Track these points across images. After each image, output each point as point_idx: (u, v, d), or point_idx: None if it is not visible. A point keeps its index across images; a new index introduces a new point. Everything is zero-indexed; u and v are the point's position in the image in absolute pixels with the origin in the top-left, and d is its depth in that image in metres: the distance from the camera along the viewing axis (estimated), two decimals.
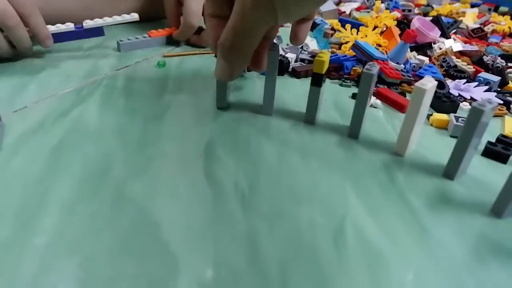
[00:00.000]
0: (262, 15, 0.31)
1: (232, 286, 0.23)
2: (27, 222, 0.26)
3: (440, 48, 0.64)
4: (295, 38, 0.43)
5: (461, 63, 0.59)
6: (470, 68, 0.57)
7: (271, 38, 0.40)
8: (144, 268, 0.24)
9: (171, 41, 0.63)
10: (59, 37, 0.54)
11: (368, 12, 0.86)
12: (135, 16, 0.58)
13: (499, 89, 0.55)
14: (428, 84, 0.34)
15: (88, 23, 0.56)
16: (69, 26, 0.54)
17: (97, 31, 0.58)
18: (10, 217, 0.26)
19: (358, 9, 0.90)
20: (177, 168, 0.33)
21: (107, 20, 0.57)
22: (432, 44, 0.66)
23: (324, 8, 0.86)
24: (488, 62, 0.59)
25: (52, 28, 0.52)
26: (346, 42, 0.63)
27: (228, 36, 0.34)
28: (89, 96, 0.44)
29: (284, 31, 0.74)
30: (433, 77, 0.54)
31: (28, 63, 0.50)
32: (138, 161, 0.33)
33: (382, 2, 0.91)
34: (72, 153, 0.34)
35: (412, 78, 0.54)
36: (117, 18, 0.57)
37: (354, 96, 0.49)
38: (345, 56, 0.58)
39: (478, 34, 0.78)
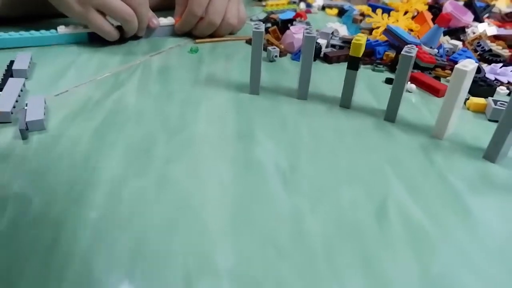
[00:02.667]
0: None
1: (278, 261, 0.24)
2: (79, 198, 0.27)
3: (474, 33, 0.63)
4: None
5: (496, 47, 0.58)
6: (506, 52, 0.56)
7: None
8: (191, 243, 0.24)
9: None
10: (99, 36, 0.54)
11: None
12: (171, 21, 0.60)
13: None
14: (469, 66, 0.34)
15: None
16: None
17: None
18: (62, 194, 0.27)
19: None
20: (217, 150, 0.34)
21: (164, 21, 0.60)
22: (465, 28, 0.65)
23: None
24: None
25: None
26: (377, 27, 0.62)
27: None
28: (127, 80, 0.44)
29: (313, 18, 0.74)
30: None
31: (64, 50, 0.52)
32: (179, 142, 0.34)
33: None
34: (115, 133, 0.35)
35: (446, 63, 0.53)
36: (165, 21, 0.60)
37: (387, 81, 0.49)
38: (377, 41, 0.57)
39: (511, 18, 0.76)
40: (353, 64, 0.39)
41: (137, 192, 0.28)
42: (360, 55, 0.39)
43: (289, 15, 0.70)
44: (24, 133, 0.33)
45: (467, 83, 0.35)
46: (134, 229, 0.25)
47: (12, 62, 0.44)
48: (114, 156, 0.32)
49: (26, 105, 0.35)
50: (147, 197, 0.28)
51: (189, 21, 0.58)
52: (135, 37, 0.57)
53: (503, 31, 0.64)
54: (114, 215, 0.26)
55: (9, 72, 0.42)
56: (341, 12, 0.79)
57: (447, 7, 0.65)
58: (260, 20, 0.69)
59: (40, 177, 0.29)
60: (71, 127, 0.35)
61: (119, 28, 0.54)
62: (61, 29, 0.53)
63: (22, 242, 0.24)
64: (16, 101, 0.36)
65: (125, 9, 0.51)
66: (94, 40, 0.53)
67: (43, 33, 0.51)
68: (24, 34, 0.51)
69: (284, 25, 0.63)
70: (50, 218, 0.25)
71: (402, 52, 0.36)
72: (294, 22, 0.64)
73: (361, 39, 0.38)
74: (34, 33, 0.51)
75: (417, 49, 0.37)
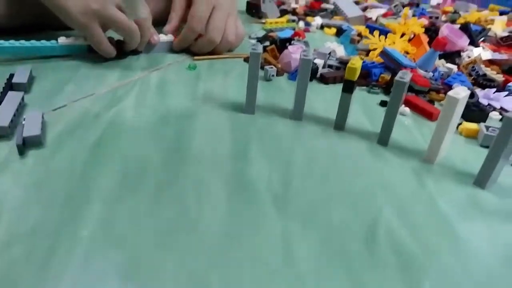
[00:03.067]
0: None
1: (268, 283, 0.24)
2: (73, 215, 0.27)
3: (469, 57, 0.64)
4: None
5: (490, 72, 0.58)
6: (500, 77, 0.57)
7: None
8: (184, 262, 0.25)
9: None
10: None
11: (395, 18, 0.86)
12: (170, 38, 0.61)
13: None
14: (461, 93, 0.35)
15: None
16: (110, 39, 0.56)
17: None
18: (56, 210, 0.28)
19: (384, 15, 0.90)
20: (211, 169, 0.34)
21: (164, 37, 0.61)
22: (461, 52, 0.66)
23: (350, 14, 0.86)
24: None
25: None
26: (374, 49, 0.63)
27: None
28: (125, 96, 0.45)
29: (311, 37, 0.75)
30: (461, 85, 0.54)
31: (64, 64, 0.52)
32: (174, 160, 0.35)
33: (409, 9, 0.91)
34: (111, 150, 0.35)
35: (440, 86, 0.54)
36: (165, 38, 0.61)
37: (382, 103, 0.50)
38: (373, 63, 0.58)
39: (507, 42, 0.77)
40: (348, 87, 0.40)
41: (131, 210, 0.28)
42: (355, 79, 0.39)
43: (288, 33, 0.71)
44: (21, 149, 0.33)
45: (459, 110, 0.36)
46: (127, 247, 0.25)
47: (12, 75, 0.44)
48: (110, 173, 0.32)
49: (24, 120, 0.36)
50: (141, 215, 0.28)
51: (188, 37, 0.59)
52: (135, 52, 0.58)
53: (497, 56, 0.65)
54: (108, 232, 0.26)
55: (9, 86, 0.42)
56: (339, 32, 0.80)
57: (443, 31, 0.67)
58: (258, 38, 0.70)
59: (35, 192, 0.29)
60: (68, 142, 0.36)
61: (118, 43, 0.55)
62: (62, 40, 0.53)
63: (16, 256, 0.24)
64: (14, 115, 0.37)
65: (130, 23, 0.52)
66: (94, 52, 0.54)
67: (44, 43, 0.52)
68: (24, 43, 0.51)
69: (282, 44, 0.64)
70: (44, 234, 0.26)
71: (396, 78, 0.37)
72: (292, 41, 0.65)
73: (356, 63, 0.39)
74: (34, 43, 0.52)
75: (411, 74, 0.38)
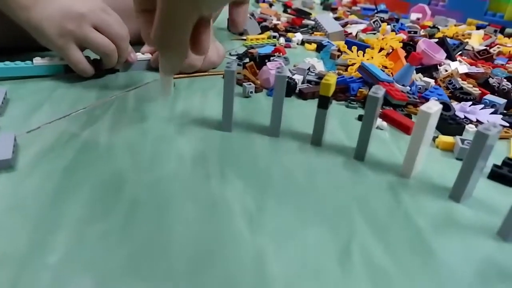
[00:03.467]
0: (185, 8, 0.30)
1: None
2: (42, 240, 0.27)
3: (446, 70, 0.65)
4: (233, 23, 0.41)
5: (467, 85, 0.59)
6: (476, 90, 0.58)
7: (206, 20, 0.35)
8: (156, 287, 0.24)
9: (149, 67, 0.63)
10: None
11: (374, 33, 0.88)
12: (148, 56, 0.62)
13: (505, 111, 0.55)
14: (433, 107, 0.35)
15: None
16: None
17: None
18: (25, 235, 0.27)
19: (364, 30, 0.92)
20: (186, 189, 0.34)
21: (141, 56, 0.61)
22: (438, 66, 0.67)
23: (330, 29, 0.87)
24: (494, 84, 0.60)
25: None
26: (353, 64, 0.64)
27: (157, 32, 0.32)
28: (101, 116, 0.45)
29: (292, 52, 0.76)
30: (438, 99, 0.54)
31: (40, 85, 0.52)
32: (148, 181, 0.34)
33: (388, 24, 0.92)
34: (84, 172, 0.35)
35: (418, 100, 0.54)
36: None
37: (360, 118, 0.50)
38: (352, 78, 0.59)
39: (484, 56, 0.78)
40: (323, 103, 0.40)
41: (101, 235, 0.28)
42: (330, 94, 0.40)
43: (268, 49, 0.71)
44: None
45: (433, 124, 0.36)
46: (96, 273, 0.25)
47: None
48: (81, 197, 0.31)
49: None
50: (110, 239, 0.28)
51: (187, 70, 0.60)
52: (112, 71, 0.58)
53: (474, 69, 0.66)
54: (76, 258, 0.26)
55: None
56: (320, 47, 0.81)
57: (421, 45, 0.68)
58: (239, 55, 0.70)
59: (4, 217, 0.29)
60: (40, 165, 0.35)
61: (95, 61, 0.55)
62: (37, 60, 0.53)
63: None
64: None
65: (107, 43, 0.51)
66: (70, 72, 0.54)
67: (18, 64, 0.52)
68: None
69: (261, 60, 0.64)
70: (11, 259, 0.25)
71: (369, 93, 0.37)
72: (272, 58, 0.65)
73: (330, 79, 0.39)
74: (8, 64, 0.51)
75: (384, 90, 0.38)
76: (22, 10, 0.50)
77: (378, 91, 0.37)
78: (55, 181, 0.33)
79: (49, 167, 0.35)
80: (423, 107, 0.35)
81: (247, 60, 0.65)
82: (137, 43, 0.62)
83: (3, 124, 0.41)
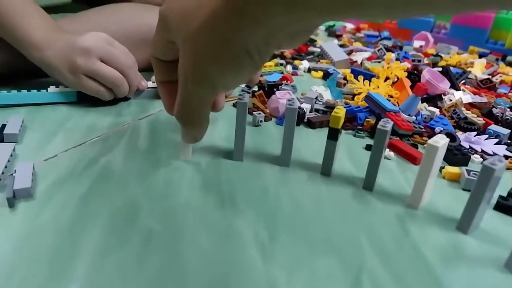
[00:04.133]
0: (204, 92, 0.32)
1: None
2: (61, 269, 0.28)
3: (450, 100, 0.66)
4: (249, 82, 0.43)
5: (471, 115, 0.61)
6: (480, 120, 0.59)
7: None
8: None
9: None
10: (87, 96, 0.56)
11: (379, 62, 0.90)
12: None
13: (509, 141, 0.56)
14: (441, 141, 0.36)
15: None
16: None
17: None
18: (44, 264, 0.28)
19: (369, 59, 0.94)
20: (199, 218, 0.35)
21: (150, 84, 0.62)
22: (442, 95, 0.68)
23: (336, 57, 0.89)
24: (497, 114, 0.61)
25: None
26: (359, 93, 0.65)
27: (179, 109, 0.34)
28: (115, 145, 0.46)
29: (299, 80, 0.77)
30: (444, 129, 0.55)
31: (55, 113, 0.53)
32: (162, 209, 0.35)
33: (392, 53, 0.94)
34: (100, 201, 0.36)
35: (423, 130, 0.56)
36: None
37: (368, 147, 0.51)
38: (358, 107, 0.60)
39: (486, 85, 0.80)
40: (333, 135, 0.41)
41: (118, 264, 0.29)
42: (339, 126, 0.41)
43: (276, 77, 0.73)
44: (11, 201, 0.33)
45: (440, 156, 0.37)
46: None
47: (3, 126, 0.45)
48: (97, 226, 0.32)
49: (15, 172, 0.36)
50: (128, 268, 0.28)
51: None
52: (125, 99, 0.59)
53: (477, 99, 0.67)
54: (95, 287, 0.27)
55: (0, 137, 0.43)
56: (326, 75, 0.83)
57: (425, 75, 0.69)
58: (246, 84, 0.71)
59: (23, 248, 0.30)
60: (58, 194, 0.36)
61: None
62: (52, 88, 0.55)
63: None
64: (6, 167, 0.37)
65: (115, 74, 0.53)
66: (83, 100, 0.56)
67: (34, 92, 0.54)
68: (15, 92, 0.53)
69: (270, 89, 0.65)
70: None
71: (378, 126, 0.38)
72: (280, 86, 0.67)
73: (340, 111, 0.40)
74: (24, 92, 0.53)
75: (392, 122, 0.39)
76: (36, 50, 0.52)
77: (387, 124, 0.38)
78: (72, 210, 0.34)
79: (66, 196, 0.36)
80: (431, 141, 0.36)
81: (256, 88, 0.67)
82: (146, 69, 0.64)
83: (20, 151, 0.42)
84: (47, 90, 0.55)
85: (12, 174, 0.36)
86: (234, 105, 0.62)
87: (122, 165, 0.42)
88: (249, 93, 0.65)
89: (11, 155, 0.40)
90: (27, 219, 0.33)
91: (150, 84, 0.62)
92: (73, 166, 0.41)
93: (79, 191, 0.37)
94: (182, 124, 0.36)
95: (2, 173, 0.36)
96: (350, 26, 1.61)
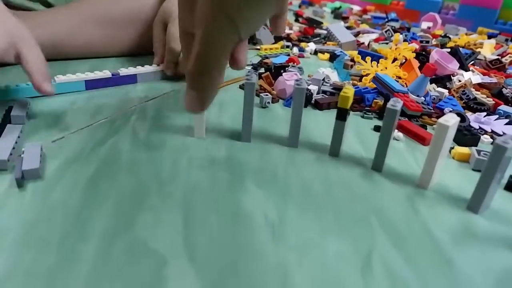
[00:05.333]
0: (225, 34, 0.30)
1: None
2: (71, 251, 0.28)
3: (459, 81, 0.65)
4: (275, 29, 0.41)
5: (481, 96, 0.60)
6: (490, 101, 0.58)
7: (243, 41, 0.35)
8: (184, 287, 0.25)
9: (166, 77, 0.63)
10: (96, 84, 0.56)
11: (387, 43, 0.88)
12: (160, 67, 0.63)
13: None
14: (451, 120, 0.35)
15: (123, 71, 0.59)
16: (107, 73, 0.57)
17: (131, 79, 0.60)
18: (54, 245, 0.28)
19: (376, 40, 0.92)
20: (207, 200, 0.34)
21: (140, 68, 0.61)
22: (451, 76, 0.67)
23: (343, 39, 0.88)
24: (507, 94, 0.60)
25: (91, 75, 0.55)
26: (367, 75, 0.65)
27: (195, 62, 0.31)
28: (122, 127, 0.46)
29: (305, 62, 0.76)
30: (453, 109, 0.55)
31: (60, 96, 0.53)
32: (170, 192, 0.35)
33: (400, 34, 0.93)
34: (108, 183, 0.36)
35: (432, 111, 0.55)
36: (148, 68, 0.61)
37: (376, 128, 0.51)
38: (366, 88, 0.60)
39: (496, 66, 0.79)
40: (341, 115, 0.41)
41: (127, 246, 0.29)
42: (348, 107, 0.40)
43: (282, 59, 0.72)
44: (20, 182, 0.33)
45: (450, 136, 0.37)
46: (126, 281, 0.26)
47: (10, 108, 0.45)
48: (106, 207, 0.32)
49: (23, 153, 0.36)
50: (137, 250, 0.28)
51: (170, 59, 0.60)
52: (132, 82, 0.59)
53: (487, 79, 0.66)
54: (105, 268, 0.27)
55: (7, 118, 0.43)
56: (333, 57, 0.82)
57: (434, 56, 0.68)
58: (254, 65, 0.71)
59: (33, 227, 0.30)
60: (66, 175, 0.36)
61: None
62: (59, 78, 0.53)
63: None
64: (13, 148, 0.37)
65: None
66: (92, 88, 0.55)
67: None
68: (21, 85, 0.51)
69: (277, 71, 0.65)
70: (42, 269, 0.26)
71: (387, 106, 0.38)
72: (287, 68, 0.66)
73: (349, 91, 0.40)
74: (31, 84, 0.51)
75: (402, 102, 0.39)
76: None
77: (397, 104, 0.38)
78: (81, 192, 0.34)
79: (74, 177, 0.36)
80: (441, 120, 0.35)
81: (262, 70, 0.66)
82: (136, 54, 0.66)
83: (27, 133, 0.42)
84: (54, 80, 0.53)
85: (20, 155, 0.36)
86: (241, 87, 0.62)
87: (130, 146, 0.42)
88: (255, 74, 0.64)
89: (18, 137, 0.39)
90: (36, 200, 0.33)
91: (154, 67, 0.61)
92: (81, 147, 0.41)
93: (87, 172, 0.37)
94: (194, 81, 0.33)
95: (10, 154, 0.36)
96: (356, 8, 1.58)
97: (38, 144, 0.38)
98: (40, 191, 0.34)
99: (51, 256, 0.27)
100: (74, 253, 0.28)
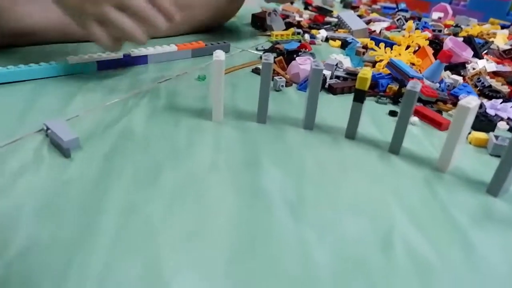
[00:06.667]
0: None
1: None
2: (90, 224, 0.28)
3: (474, 68, 0.64)
4: None
5: (496, 83, 0.59)
6: (506, 88, 0.57)
7: None
8: (198, 273, 0.25)
9: (196, 54, 0.65)
10: (108, 64, 0.56)
11: (399, 31, 0.87)
12: (174, 48, 0.62)
13: None
14: (472, 102, 0.35)
15: (134, 52, 0.58)
16: (118, 54, 0.56)
17: (143, 59, 0.60)
18: (72, 219, 0.28)
19: (387, 28, 0.91)
20: (224, 178, 0.34)
21: (151, 50, 0.60)
22: (466, 64, 0.66)
23: (354, 27, 0.87)
24: None
25: (103, 55, 0.55)
26: (381, 61, 0.64)
27: None
28: (135, 107, 0.45)
29: (317, 49, 0.76)
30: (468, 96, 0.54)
31: (73, 78, 0.52)
32: (186, 170, 0.35)
33: (413, 21, 0.92)
34: (123, 160, 0.35)
35: (447, 97, 0.54)
36: (159, 49, 0.61)
37: (391, 113, 0.50)
38: (380, 74, 0.59)
39: (509, 55, 0.78)
40: (359, 97, 0.40)
41: (146, 219, 0.29)
42: (366, 88, 0.40)
43: (294, 45, 0.72)
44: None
45: (470, 119, 0.36)
46: (145, 255, 0.25)
47: None
48: (123, 183, 0.32)
49: (48, 129, 0.36)
50: (155, 224, 0.28)
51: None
52: (143, 63, 0.58)
53: (502, 68, 0.66)
54: (125, 241, 0.26)
55: None
56: (344, 44, 0.81)
57: (448, 43, 0.67)
58: (266, 50, 0.70)
59: (52, 202, 0.29)
60: (81, 152, 0.36)
61: None
62: (71, 58, 0.53)
63: (34, 266, 0.24)
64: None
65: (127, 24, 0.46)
66: (104, 69, 0.55)
67: (53, 63, 0.51)
68: (33, 66, 0.50)
69: (289, 56, 0.64)
70: (62, 242, 0.26)
71: (407, 88, 0.37)
72: (299, 53, 0.65)
73: (367, 73, 0.39)
74: (43, 64, 0.51)
75: (421, 84, 0.38)
76: None
77: (416, 86, 0.37)
78: (96, 168, 0.34)
79: (90, 154, 0.36)
80: (462, 102, 0.35)
81: (275, 55, 0.66)
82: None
83: (40, 113, 0.42)
84: (67, 61, 0.53)
85: (47, 131, 0.36)
86: (253, 71, 0.61)
87: (144, 125, 0.41)
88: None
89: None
90: (54, 175, 0.32)
91: (166, 48, 0.61)
92: (95, 126, 0.40)
93: (103, 149, 0.36)
94: None
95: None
96: None
97: (60, 119, 0.38)
98: (58, 167, 0.33)
99: (70, 228, 0.27)
100: (94, 226, 0.27)
